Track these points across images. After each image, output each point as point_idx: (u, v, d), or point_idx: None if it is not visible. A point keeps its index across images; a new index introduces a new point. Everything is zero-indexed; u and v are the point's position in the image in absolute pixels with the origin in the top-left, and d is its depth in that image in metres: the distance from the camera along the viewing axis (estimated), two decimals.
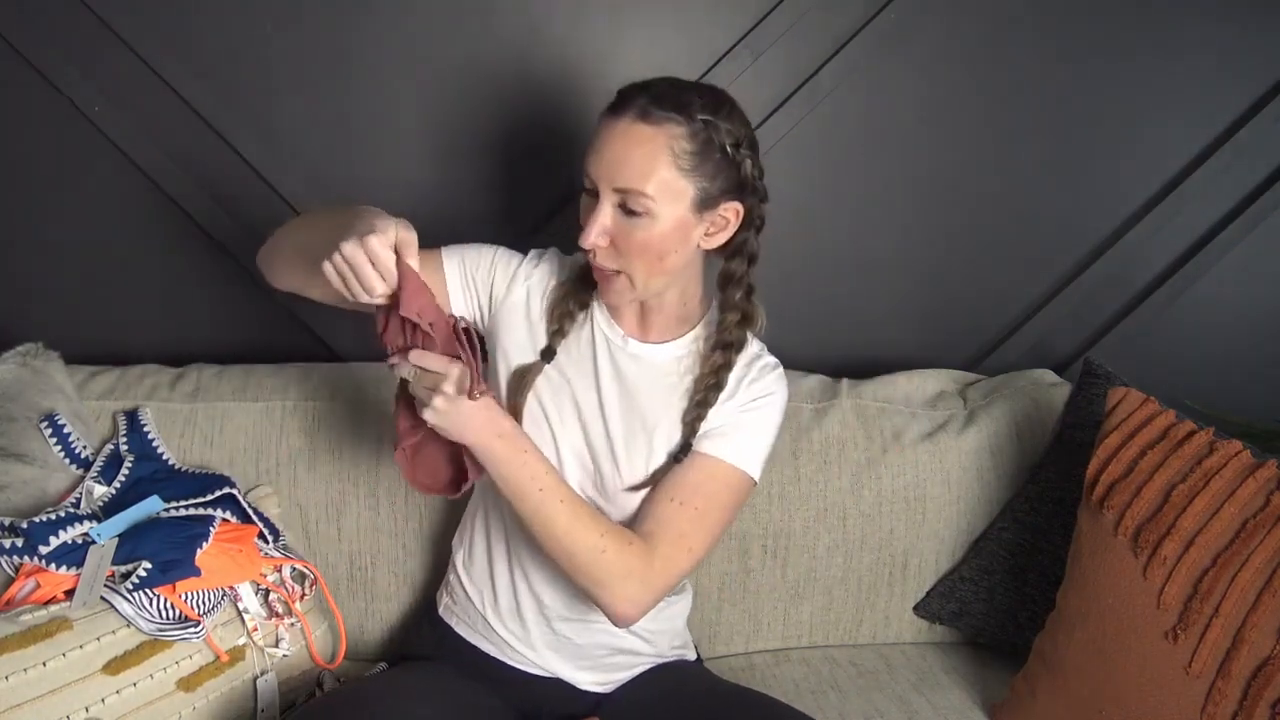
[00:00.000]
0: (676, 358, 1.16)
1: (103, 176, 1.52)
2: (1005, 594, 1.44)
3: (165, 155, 1.51)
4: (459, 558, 1.26)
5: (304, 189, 1.54)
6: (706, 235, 1.08)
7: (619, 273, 1.07)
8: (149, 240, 1.56)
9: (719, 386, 1.13)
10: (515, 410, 1.14)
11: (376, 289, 0.98)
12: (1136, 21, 1.57)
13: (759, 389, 1.14)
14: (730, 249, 1.12)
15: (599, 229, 1.04)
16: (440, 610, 1.28)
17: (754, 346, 1.18)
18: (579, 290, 1.16)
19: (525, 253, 1.20)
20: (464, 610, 1.24)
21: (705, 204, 1.05)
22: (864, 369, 1.60)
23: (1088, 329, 1.70)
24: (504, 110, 1.53)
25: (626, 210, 1.03)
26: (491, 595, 1.21)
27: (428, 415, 1.03)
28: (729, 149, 1.04)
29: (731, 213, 1.08)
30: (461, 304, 1.17)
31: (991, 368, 1.67)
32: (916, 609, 1.50)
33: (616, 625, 1.10)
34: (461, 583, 1.24)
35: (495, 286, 1.17)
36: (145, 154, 1.50)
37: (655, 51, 1.53)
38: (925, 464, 1.47)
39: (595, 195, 1.05)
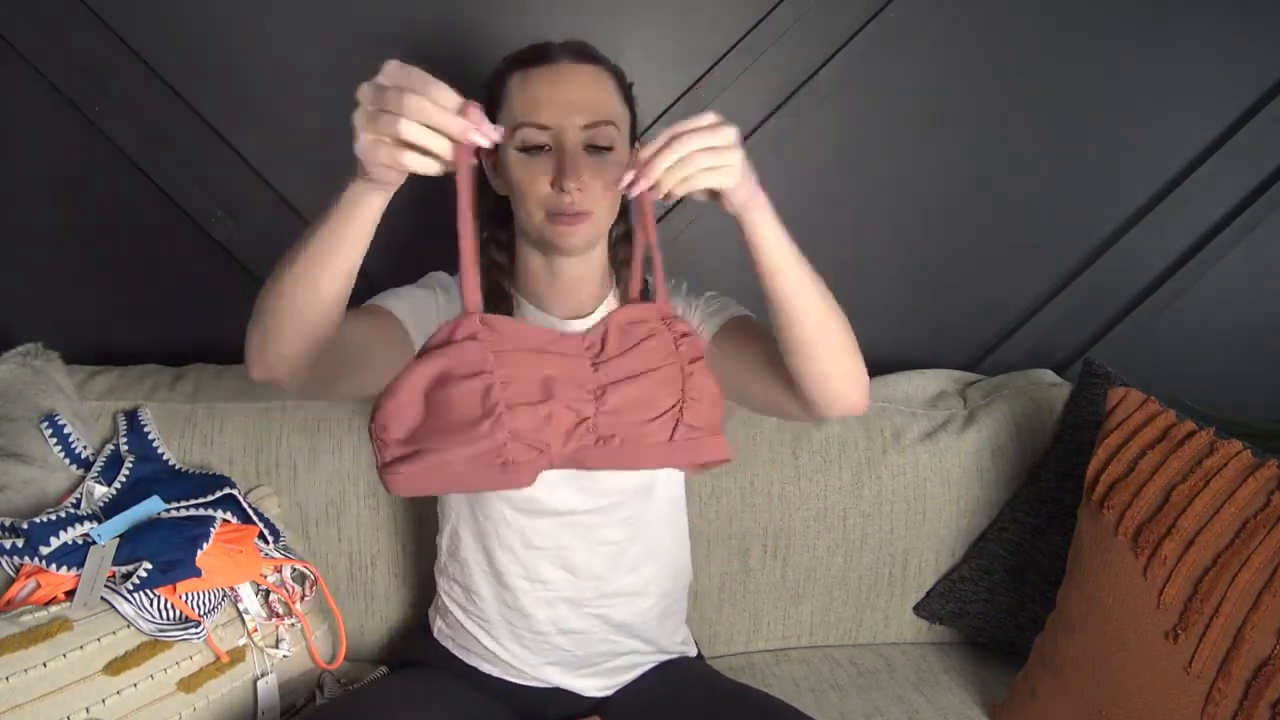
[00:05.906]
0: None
1: (103, 176, 1.52)
2: (1005, 594, 1.44)
3: (165, 155, 1.51)
4: (443, 584, 1.25)
5: (304, 189, 1.53)
6: None
7: (587, 214, 1.05)
8: (149, 240, 1.56)
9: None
10: None
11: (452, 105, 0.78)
12: (1136, 22, 1.57)
13: (683, 292, 1.21)
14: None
15: (579, 167, 1.03)
16: (435, 634, 1.26)
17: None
18: (496, 299, 1.15)
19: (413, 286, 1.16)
20: (457, 634, 1.23)
21: (631, 141, 1.11)
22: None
23: (1088, 329, 1.70)
24: None
25: (592, 148, 1.05)
26: (486, 619, 1.20)
27: (728, 179, 0.86)
28: (631, 94, 1.13)
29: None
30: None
31: (991, 368, 1.67)
32: (916, 609, 1.50)
33: (856, 410, 1.07)
34: (452, 610, 1.23)
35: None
36: (145, 154, 1.50)
37: (655, 51, 1.53)
38: (925, 464, 1.47)
39: (537, 150, 1.04)
